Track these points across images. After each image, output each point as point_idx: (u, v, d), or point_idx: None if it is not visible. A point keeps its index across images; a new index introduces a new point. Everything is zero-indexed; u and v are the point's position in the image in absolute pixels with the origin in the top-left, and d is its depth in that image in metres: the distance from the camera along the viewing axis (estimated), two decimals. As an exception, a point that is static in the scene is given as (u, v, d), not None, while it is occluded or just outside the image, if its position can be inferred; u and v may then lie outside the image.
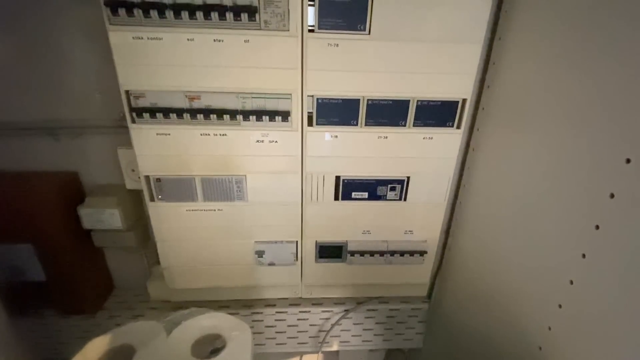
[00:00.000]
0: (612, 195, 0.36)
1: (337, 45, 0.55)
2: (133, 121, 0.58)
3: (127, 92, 0.56)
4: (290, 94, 0.58)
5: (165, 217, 0.66)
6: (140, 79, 0.55)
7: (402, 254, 0.73)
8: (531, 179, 0.51)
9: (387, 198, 0.68)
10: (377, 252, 0.73)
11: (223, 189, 0.65)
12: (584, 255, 0.40)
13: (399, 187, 0.67)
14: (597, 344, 0.39)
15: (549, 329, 0.45)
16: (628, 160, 0.35)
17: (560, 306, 0.43)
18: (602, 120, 0.39)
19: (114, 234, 0.72)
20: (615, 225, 0.36)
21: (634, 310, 0.34)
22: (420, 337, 0.86)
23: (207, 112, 0.58)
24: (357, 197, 0.68)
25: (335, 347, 0.85)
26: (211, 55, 0.54)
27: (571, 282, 0.42)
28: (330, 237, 0.71)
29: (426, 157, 0.65)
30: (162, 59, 0.54)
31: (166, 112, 0.57)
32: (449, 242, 0.77)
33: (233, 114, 0.58)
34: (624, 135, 0.36)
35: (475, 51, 0.57)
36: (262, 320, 0.80)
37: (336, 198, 0.68)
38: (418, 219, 0.71)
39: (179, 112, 0.57)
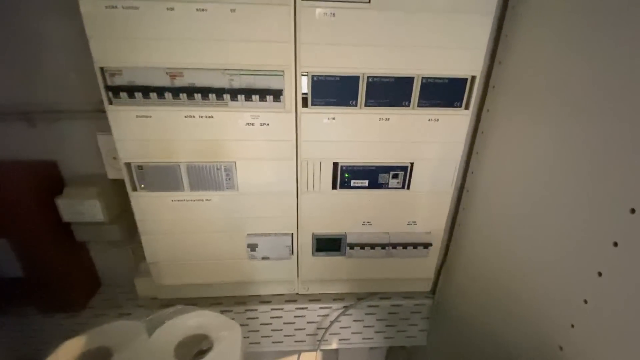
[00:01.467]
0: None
1: (334, 15, 0.50)
2: (110, 102, 0.53)
3: (101, 69, 0.51)
4: (283, 71, 0.53)
5: (149, 208, 0.62)
6: (115, 54, 0.50)
7: (405, 246, 0.68)
8: (547, 164, 0.46)
9: (389, 186, 0.63)
10: (378, 245, 0.68)
11: (211, 177, 0.60)
12: (615, 244, 0.35)
13: (401, 174, 0.62)
14: (628, 343, 0.34)
15: (572, 326, 0.40)
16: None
17: (585, 302, 0.39)
18: (632, 98, 0.34)
19: (96, 227, 0.68)
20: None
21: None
22: (424, 334, 0.82)
23: (190, 91, 0.52)
24: (357, 185, 0.63)
25: (334, 345, 0.82)
26: (193, 26, 0.49)
27: (599, 274, 0.37)
28: (328, 228, 0.67)
29: (431, 141, 0.60)
30: (139, 31, 0.49)
31: (145, 91, 0.52)
32: (455, 233, 0.72)
33: (219, 92, 0.53)
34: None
35: (486, 22, 0.52)
36: (257, 318, 0.76)
37: (334, 187, 0.63)
38: (422, 208, 0.66)
39: (160, 91, 0.52)
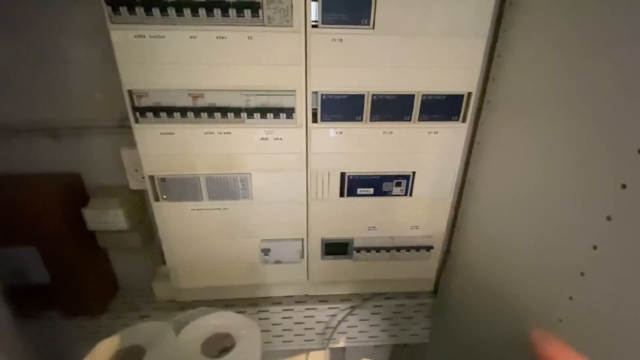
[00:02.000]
0: (623, 186, 0.36)
1: (341, 40, 0.54)
2: (136, 121, 0.58)
3: (129, 91, 0.56)
4: (295, 91, 0.57)
5: (170, 216, 0.66)
6: (143, 78, 0.55)
7: (408, 249, 0.73)
8: (538, 172, 0.50)
9: (393, 194, 0.68)
10: (383, 248, 0.72)
11: (228, 187, 0.64)
12: (595, 247, 0.40)
13: (404, 182, 0.67)
14: (610, 336, 0.39)
15: (560, 321, 0.45)
16: (640, 151, 0.35)
17: (570, 298, 0.43)
18: (612, 111, 0.38)
19: (119, 235, 0.72)
20: (628, 216, 0.36)
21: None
22: (427, 332, 0.86)
23: (211, 111, 0.57)
24: (363, 193, 0.67)
25: (342, 344, 0.85)
26: (214, 52, 0.54)
27: (582, 274, 0.42)
28: (336, 234, 0.71)
29: (431, 152, 0.64)
30: (164, 57, 0.53)
31: (170, 111, 0.57)
32: (455, 236, 0.76)
33: (237, 111, 0.57)
34: (636, 126, 0.35)
35: (480, 44, 0.57)
36: (268, 319, 0.79)
37: (341, 195, 0.67)
38: (424, 214, 0.71)
39: (183, 111, 0.57)
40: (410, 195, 0.68)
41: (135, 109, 0.56)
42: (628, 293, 0.36)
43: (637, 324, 0.35)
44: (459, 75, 0.59)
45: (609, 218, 0.38)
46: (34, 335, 0.78)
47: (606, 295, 0.39)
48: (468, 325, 0.70)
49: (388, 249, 0.72)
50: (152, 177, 0.62)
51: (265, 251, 0.71)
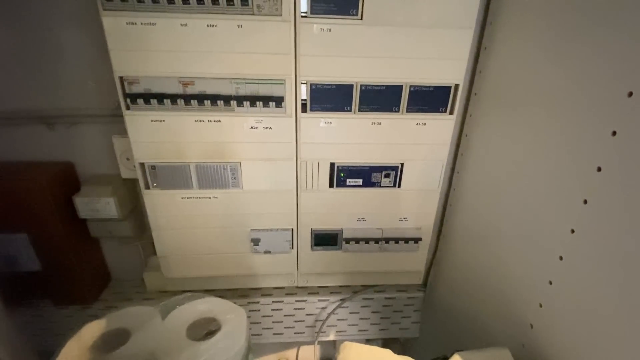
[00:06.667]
0: (599, 169, 0.37)
1: (330, 30, 0.55)
2: (127, 108, 0.58)
3: (121, 78, 0.56)
4: (284, 80, 0.58)
5: (160, 205, 0.67)
6: (134, 65, 0.56)
7: (396, 241, 0.73)
8: (523, 164, 0.51)
9: (382, 185, 0.68)
10: (372, 239, 0.73)
11: (218, 176, 0.65)
12: (572, 231, 0.40)
13: (393, 173, 0.68)
14: (587, 322, 0.39)
15: (540, 305, 0.45)
16: (614, 133, 0.35)
17: (550, 283, 0.44)
18: (590, 101, 0.39)
19: (110, 224, 0.72)
20: (603, 199, 0.37)
21: (625, 285, 0.34)
22: (417, 326, 0.86)
23: (201, 98, 0.58)
24: (352, 184, 0.68)
25: (332, 337, 0.85)
26: (204, 40, 0.54)
27: (560, 258, 0.42)
28: (326, 224, 0.72)
29: (420, 143, 0.65)
30: (155, 44, 0.54)
31: (160, 98, 0.57)
32: (444, 228, 0.77)
33: (227, 99, 0.58)
34: (611, 112, 0.36)
35: (467, 36, 0.58)
36: (259, 310, 0.80)
37: (331, 185, 0.68)
38: (412, 205, 0.71)
39: (173, 98, 0.58)
40: (399, 186, 0.69)
41: (126, 95, 0.57)
42: (606, 275, 0.37)
43: (616, 305, 0.36)
44: (446, 67, 0.60)
45: (585, 201, 0.39)
46: (24, 324, 0.78)
47: (584, 279, 0.39)
48: (457, 319, 0.71)
49: (377, 241, 0.73)
50: (142, 165, 0.63)
51: (255, 241, 0.71)
